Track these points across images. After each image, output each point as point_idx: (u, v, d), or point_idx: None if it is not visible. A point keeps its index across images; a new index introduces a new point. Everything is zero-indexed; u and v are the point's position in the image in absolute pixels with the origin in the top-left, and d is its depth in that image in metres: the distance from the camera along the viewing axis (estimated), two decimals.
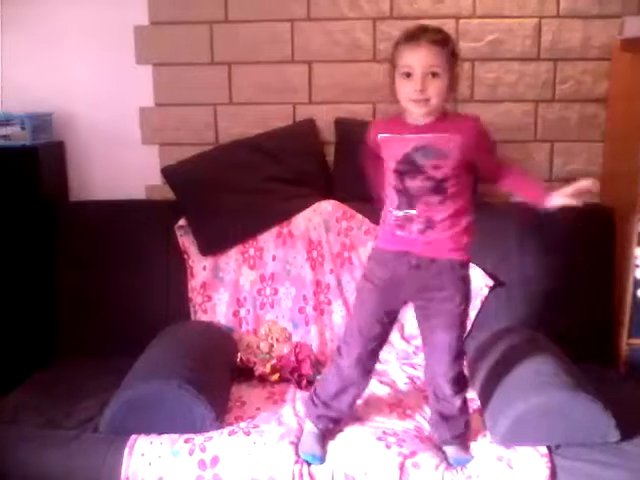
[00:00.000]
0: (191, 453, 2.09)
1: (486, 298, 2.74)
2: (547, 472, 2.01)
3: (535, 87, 2.94)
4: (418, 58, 1.95)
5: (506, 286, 2.75)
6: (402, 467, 2.05)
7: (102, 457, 2.11)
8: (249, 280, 2.84)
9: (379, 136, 2.09)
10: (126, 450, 2.11)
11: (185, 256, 2.85)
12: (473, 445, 2.18)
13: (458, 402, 2.16)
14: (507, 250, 2.77)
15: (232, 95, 3.02)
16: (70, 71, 3.02)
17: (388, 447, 2.12)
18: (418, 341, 2.70)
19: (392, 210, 2.09)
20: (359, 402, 2.31)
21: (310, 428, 2.18)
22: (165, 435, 2.15)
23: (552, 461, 2.04)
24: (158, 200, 3.02)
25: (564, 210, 2.83)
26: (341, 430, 2.21)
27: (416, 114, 2.01)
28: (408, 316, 2.69)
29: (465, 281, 2.11)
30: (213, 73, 3.00)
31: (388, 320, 2.17)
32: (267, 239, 2.84)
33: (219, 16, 2.95)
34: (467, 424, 2.19)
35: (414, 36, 1.97)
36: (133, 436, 2.15)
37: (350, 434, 2.20)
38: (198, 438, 2.13)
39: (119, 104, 3.04)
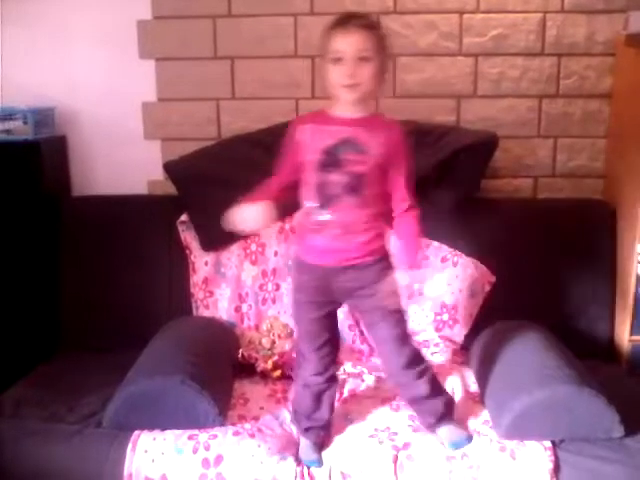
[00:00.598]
0: (195, 451, 2.09)
1: (489, 294, 2.75)
2: (551, 465, 2.00)
3: (539, 82, 2.93)
4: (348, 42, 1.95)
5: (509, 282, 2.73)
6: (396, 461, 2.06)
7: (105, 453, 2.10)
8: (251, 276, 2.83)
9: (303, 126, 2.07)
10: (129, 446, 2.10)
11: (187, 251, 2.84)
12: (475, 435, 2.17)
13: (423, 384, 2.17)
14: (510, 246, 2.76)
15: (235, 90, 3.02)
16: (73, 66, 3.01)
17: (380, 442, 2.14)
18: (420, 337, 2.73)
19: (308, 213, 2.08)
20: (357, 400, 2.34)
21: (304, 441, 2.18)
22: (168, 431, 2.14)
23: (556, 455, 2.04)
24: (160, 195, 3.01)
25: (567, 206, 2.87)
26: (334, 433, 2.22)
27: (346, 101, 2.01)
28: (411, 311, 2.69)
29: (387, 272, 2.08)
30: (216, 68, 3.00)
31: (330, 322, 2.19)
32: (269, 235, 2.83)
33: (222, 10, 2.94)
34: (448, 403, 2.21)
35: (343, 21, 1.98)
36: (136, 432, 2.14)
37: (343, 434, 2.21)
38: (202, 436, 2.12)
39: (122, 99, 3.03)
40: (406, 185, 2.07)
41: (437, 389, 2.21)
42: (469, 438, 2.14)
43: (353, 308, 2.18)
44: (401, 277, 2.04)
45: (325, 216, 2.04)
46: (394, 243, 2.12)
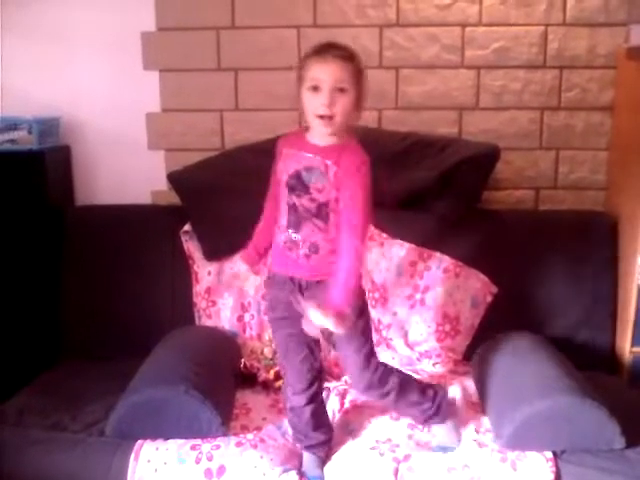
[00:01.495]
0: (198, 461, 2.09)
1: (490, 305, 2.75)
2: (552, 477, 2.01)
3: (541, 95, 2.95)
4: (327, 72, 1.94)
5: (510, 293, 2.74)
6: (396, 473, 2.06)
7: (108, 462, 2.10)
8: (254, 285, 2.83)
9: (283, 150, 2.11)
10: (132, 455, 2.10)
11: (190, 261, 2.85)
12: (476, 446, 2.17)
13: (390, 402, 2.20)
14: (511, 257, 2.76)
15: (238, 101, 3.03)
16: (77, 76, 3.03)
17: (381, 454, 2.14)
18: (422, 347, 2.73)
19: (281, 230, 2.10)
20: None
21: (307, 455, 2.19)
22: (171, 441, 2.15)
23: (557, 465, 2.04)
24: (164, 205, 3.02)
25: (569, 217, 2.88)
26: (335, 445, 2.22)
27: (319, 133, 2.02)
28: (412, 322, 2.71)
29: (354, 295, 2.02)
30: (219, 79, 3.01)
31: (307, 338, 2.14)
32: None
33: (226, 22, 2.96)
34: (435, 406, 2.22)
35: (322, 50, 1.97)
36: (139, 441, 2.14)
37: (344, 446, 2.22)
38: (205, 446, 2.13)
39: (126, 109, 3.05)
40: (350, 218, 1.98)
41: (414, 401, 2.21)
42: (453, 448, 2.17)
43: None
44: (315, 316, 1.92)
45: (295, 235, 2.07)
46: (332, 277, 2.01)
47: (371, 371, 2.15)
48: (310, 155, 2.02)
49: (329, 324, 1.90)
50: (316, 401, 2.21)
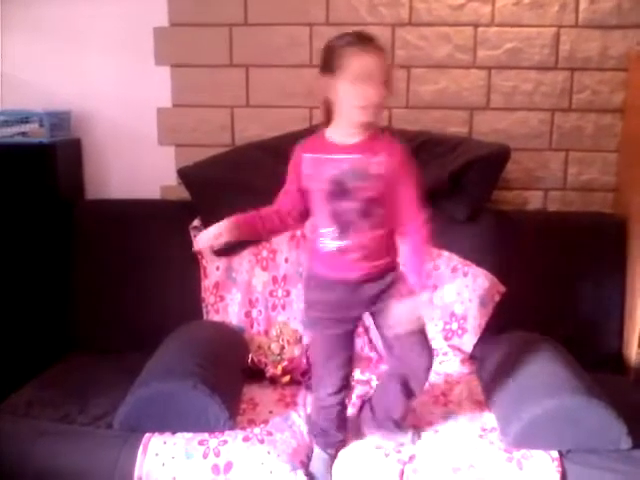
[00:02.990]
0: (205, 457, 2.10)
1: (498, 304, 2.75)
2: (558, 476, 2.01)
3: (552, 96, 2.95)
4: (376, 63, 1.91)
5: (518, 293, 2.74)
6: (402, 474, 2.07)
7: (116, 455, 2.11)
8: (262, 281, 2.84)
9: (305, 156, 2.04)
10: (140, 449, 2.11)
11: (199, 256, 2.86)
12: (481, 444, 2.17)
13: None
14: (519, 257, 2.77)
15: (249, 97, 3.04)
16: (89, 70, 3.04)
17: (387, 455, 2.15)
18: None
19: (325, 239, 2.05)
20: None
21: (318, 452, 2.19)
22: (179, 435, 2.16)
23: (563, 465, 2.04)
24: (173, 200, 3.03)
25: (577, 219, 2.88)
26: (344, 445, 2.23)
27: (352, 124, 1.97)
28: None
29: (401, 278, 2.07)
30: (231, 75, 3.02)
31: (349, 341, 2.17)
32: (280, 241, 2.85)
33: (238, 19, 2.97)
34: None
35: (363, 41, 1.92)
36: (147, 435, 2.15)
37: (350, 446, 2.22)
38: (212, 441, 2.14)
39: (137, 104, 3.06)
40: (416, 200, 2.01)
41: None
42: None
43: (374, 315, 2.15)
44: (404, 309, 1.97)
45: (343, 242, 2.02)
46: (406, 262, 2.06)
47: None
48: (348, 156, 1.97)
49: (422, 307, 1.93)
50: (345, 404, 2.24)
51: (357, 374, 2.60)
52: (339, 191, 1.98)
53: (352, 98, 1.93)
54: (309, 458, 2.20)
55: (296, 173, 2.08)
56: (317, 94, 2.01)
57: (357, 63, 1.90)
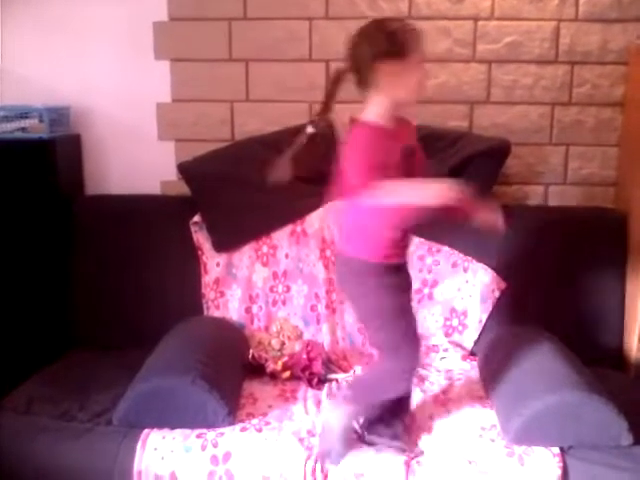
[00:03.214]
0: (203, 448, 2.10)
1: (498, 300, 2.75)
2: (559, 472, 2.01)
3: (552, 90, 2.94)
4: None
5: (518, 288, 2.74)
6: (408, 465, 2.06)
7: (115, 450, 2.11)
8: (262, 277, 2.85)
9: (377, 133, 2.03)
10: (139, 444, 2.12)
11: (199, 252, 2.86)
12: (482, 441, 2.17)
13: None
14: (520, 253, 2.76)
15: (249, 92, 3.03)
16: (88, 66, 3.04)
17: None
18: (430, 341, 2.75)
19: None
20: None
21: (348, 431, 2.13)
22: (178, 430, 2.16)
23: (564, 461, 2.04)
24: (173, 196, 3.03)
25: (578, 214, 2.87)
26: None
27: (404, 106, 2.03)
28: (420, 316, 2.69)
29: None
30: (230, 70, 3.01)
31: None
32: (281, 237, 2.85)
33: (238, 13, 2.96)
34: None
35: (411, 26, 1.99)
36: (146, 430, 2.15)
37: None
38: (210, 434, 2.14)
39: (136, 99, 3.06)
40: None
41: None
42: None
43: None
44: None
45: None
46: None
47: None
48: (403, 136, 2.05)
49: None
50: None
51: (358, 370, 2.60)
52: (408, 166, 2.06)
53: (420, 79, 1.98)
54: (310, 436, 2.16)
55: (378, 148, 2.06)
56: (377, 82, 1.96)
57: (421, 47, 1.95)
